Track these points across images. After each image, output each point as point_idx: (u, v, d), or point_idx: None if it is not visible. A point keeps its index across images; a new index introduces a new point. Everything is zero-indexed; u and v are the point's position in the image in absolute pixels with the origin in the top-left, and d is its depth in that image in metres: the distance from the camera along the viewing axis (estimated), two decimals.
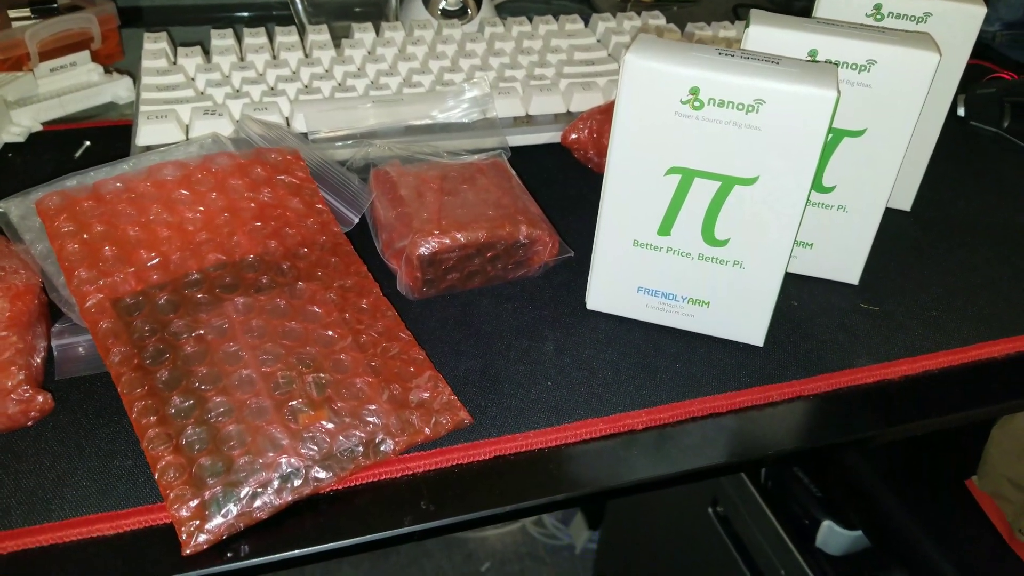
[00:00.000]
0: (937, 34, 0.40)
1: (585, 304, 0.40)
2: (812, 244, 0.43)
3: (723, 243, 0.36)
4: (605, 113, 0.49)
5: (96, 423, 0.33)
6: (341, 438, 0.31)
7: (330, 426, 0.31)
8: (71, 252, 0.34)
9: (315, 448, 0.30)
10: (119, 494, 0.30)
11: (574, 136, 0.50)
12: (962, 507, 0.58)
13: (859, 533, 0.63)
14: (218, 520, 0.28)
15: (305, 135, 0.47)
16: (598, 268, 0.39)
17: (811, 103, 0.32)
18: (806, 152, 0.33)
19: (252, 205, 0.38)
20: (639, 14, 0.62)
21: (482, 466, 0.32)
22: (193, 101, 0.48)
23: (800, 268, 0.44)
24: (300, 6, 0.59)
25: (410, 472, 0.32)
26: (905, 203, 0.49)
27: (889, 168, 0.40)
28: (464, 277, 0.40)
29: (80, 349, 0.35)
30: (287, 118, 0.48)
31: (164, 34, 0.54)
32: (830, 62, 0.37)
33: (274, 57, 0.53)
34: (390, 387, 0.33)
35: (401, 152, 0.45)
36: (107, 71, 0.55)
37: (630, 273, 0.38)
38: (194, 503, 0.28)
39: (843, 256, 0.43)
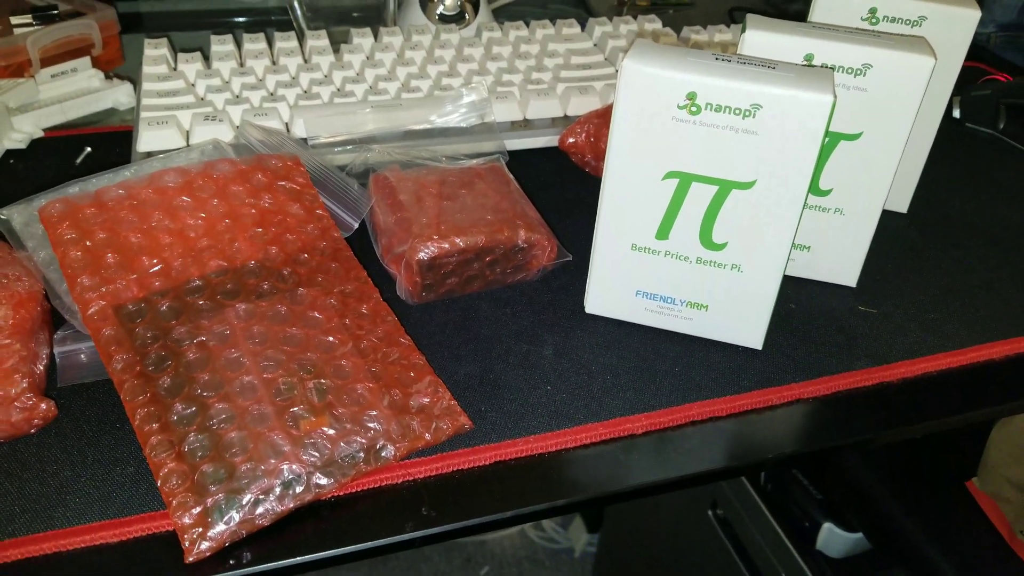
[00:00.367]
0: (932, 37, 0.41)
1: (584, 308, 0.40)
2: (809, 247, 0.43)
3: (721, 247, 0.36)
4: (602, 117, 0.49)
5: (98, 430, 0.33)
6: (342, 444, 0.31)
7: (331, 432, 0.31)
8: (74, 259, 0.34)
9: (316, 454, 0.30)
10: (122, 501, 0.30)
11: (571, 140, 0.50)
12: (962, 508, 0.58)
13: (860, 535, 0.63)
14: (221, 527, 0.28)
15: (305, 140, 0.47)
16: (596, 272, 0.39)
17: (808, 107, 0.32)
18: (803, 156, 0.33)
19: (253, 211, 0.38)
20: (635, 18, 0.62)
21: (483, 471, 0.32)
22: (193, 107, 0.48)
23: (798, 271, 0.44)
24: (299, 11, 0.59)
25: (411, 478, 0.32)
26: (902, 205, 0.50)
27: (885, 171, 0.40)
28: (463, 281, 0.40)
29: (82, 356, 0.35)
30: (287, 124, 0.48)
31: (164, 40, 0.54)
32: (826, 66, 0.38)
33: (273, 63, 0.54)
34: (391, 393, 0.33)
35: (400, 157, 0.45)
36: (107, 77, 0.55)
37: (629, 277, 0.38)
38: (197, 510, 0.28)
39: (841, 259, 0.43)
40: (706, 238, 0.36)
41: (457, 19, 0.61)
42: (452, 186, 0.42)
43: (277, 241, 0.37)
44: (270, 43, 0.55)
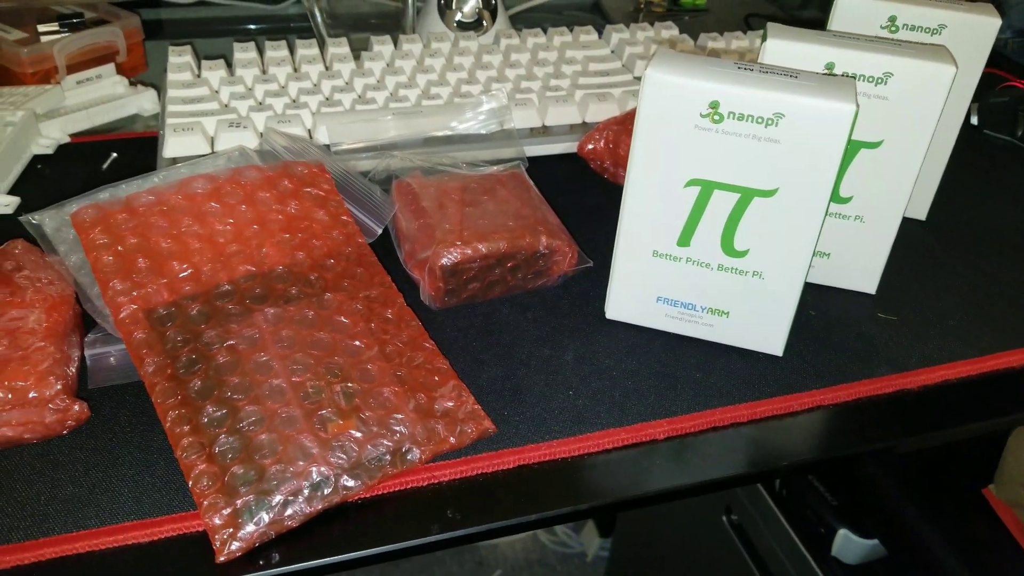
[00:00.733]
0: (952, 45, 0.41)
1: (604, 314, 0.41)
2: (829, 254, 0.43)
3: (742, 254, 0.36)
4: (621, 124, 0.50)
5: (130, 432, 0.33)
6: (369, 447, 0.31)
7: (358, 435, 0.31)
8: (105, 264, 0.35)
9: (344, 457, 0.31)
10: (153, 502, 0.31)
11: (590, 147, 0.50)
12: (979, 516, 0.58)
13: (876, 542, 0.63)
14: (250, 528, 0.29)
15: (327, 147, 0.48)
16: (618, 278, 0.39)
17: (830, 116, 0.33)
18: (825, 164, 0.34)
19: (280, 217, 0.38)
20: (652, 24, 0.63)
21: (506, 475, 0.33)
22: (218, 114, 0.49)
23: (817, 278, 0.44)
24: (319, 18, 0.60)
25: (436, 481, 0.32)
26: (920, 212, 0.50)
27: (906, 179, 0.40)
28: (485, 287, 0.41)
29: (112, 359, 0.35)
30: (309, 130, 0.49)
31: (188, 47, 0.55)
32: (847, 75, 0.38)
33: (295, 70, 0.54)
34: (416, 396, 0.33)
35: (421, 163, 0.46)
36: (131, 83, 0.56)
37: (650, 283, 0.39)
38: (227, 511, 0.29)
39: (860, 266, 0.43)
40: (727, 245, 0.36)
41: (475, 26, 0.62)
42: (474, 192, 0.43)
43: (304, 247, 0.38)
44: (292, 50, 0.56)
